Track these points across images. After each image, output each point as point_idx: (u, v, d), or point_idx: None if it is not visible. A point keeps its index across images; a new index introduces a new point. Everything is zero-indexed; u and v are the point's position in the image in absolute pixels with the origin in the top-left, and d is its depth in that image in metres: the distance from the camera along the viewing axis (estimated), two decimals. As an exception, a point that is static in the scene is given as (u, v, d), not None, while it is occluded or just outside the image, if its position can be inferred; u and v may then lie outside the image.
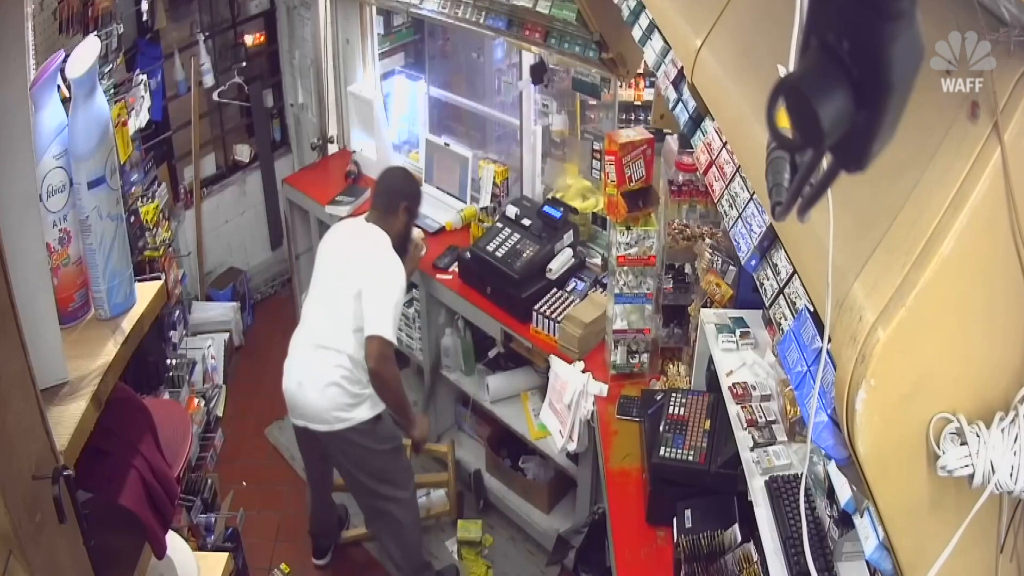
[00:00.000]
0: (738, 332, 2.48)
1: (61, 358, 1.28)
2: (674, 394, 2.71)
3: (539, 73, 3.57)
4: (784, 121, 0.69)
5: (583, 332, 3.23)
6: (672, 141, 3.01)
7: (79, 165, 1.33)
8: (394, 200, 3.26)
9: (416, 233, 3.52)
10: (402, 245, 3.29)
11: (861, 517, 1.39)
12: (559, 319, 3.31)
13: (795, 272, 1.38)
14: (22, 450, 1.06)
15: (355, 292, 3.07)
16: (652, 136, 2.87)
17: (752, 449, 2.21)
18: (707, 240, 2.76)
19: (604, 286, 3.42)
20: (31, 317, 1.15)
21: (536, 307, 3.39)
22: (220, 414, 4.13)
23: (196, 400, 3.79)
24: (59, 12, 2.68)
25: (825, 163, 0.71)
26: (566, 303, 3.40)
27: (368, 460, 3.24)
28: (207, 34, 4.49)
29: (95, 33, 2.95)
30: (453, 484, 3.82)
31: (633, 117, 3.76)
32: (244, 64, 4.75)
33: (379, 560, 3.73)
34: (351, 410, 3.12)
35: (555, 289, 3.49)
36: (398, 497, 3.31)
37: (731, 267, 2.57)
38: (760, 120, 0.74)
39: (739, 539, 2.30)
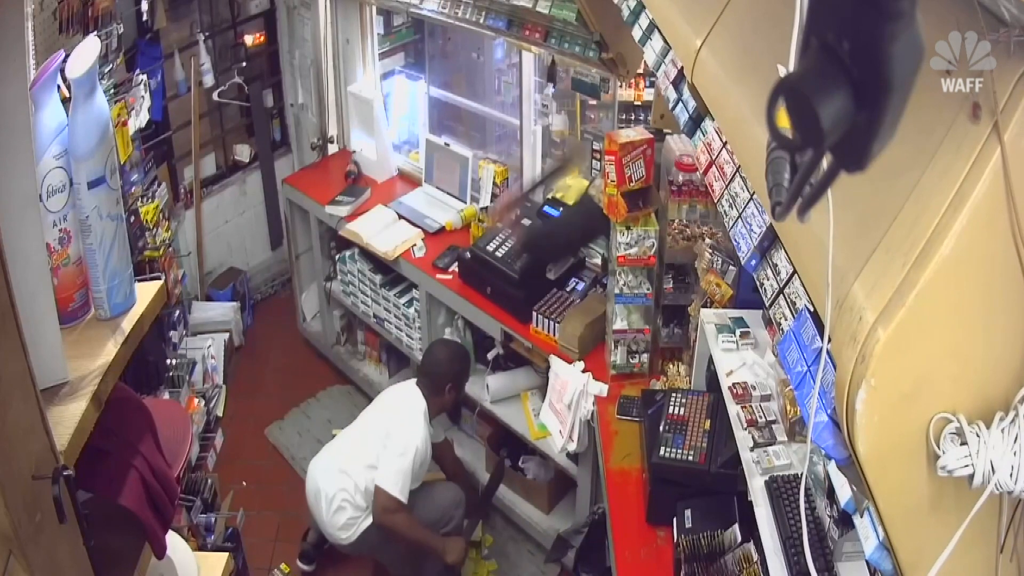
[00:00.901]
0: (738, 332, 2.48)
1: (61, 358, 1.28)
2: (674, 394, 2.71)
3: (554, 73, 3.58)
4: (784, 121, 0.69)
5: (583, 332, 3.23)
6: (672, 140, 3.00)
7: (79, 165, 1.33)
8: (438, 382, 3.36)
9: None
10: (449, 414, 3.57)
11: (861, 517, 1.39)
12: (559, 319, 3.31)
13: (795, 272, 1.38)
14: (22, 450, 1.06)
15: (383, 435, 3.22)
16: (652, 136, 2.87)
17: (752, 449, 2.21)
18: (707, 240, 2.76)
19: (604, 286, 3.42)
20: (31, 317, 1.15)
21: (536, 307, 3.39)
22: (220, 414, 4.13)
23: (196, 400, 3.79)
24: (59, 12, 2.68)
25: (825, 163, 0.71)
26: (566, 303, 3.40)
27: (396, 552, 3.34)
28: (207, 34, 4.48)
29: (95, 33, 2.96)
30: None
31: (633, 117, 3.75)
32: (244, 64, 4.75)
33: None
34: (363, 521, 3.25)
35: (555, 289, 3.49)
36: (440, 568, 3.37)
37: (731, 267, 2.56)
38: (760, 120, 0.74)
39: (739, 539, 2.30)
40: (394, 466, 3.13)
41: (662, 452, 2.54)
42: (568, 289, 3.51)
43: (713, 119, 1.78)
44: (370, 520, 3.22)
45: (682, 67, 1.91)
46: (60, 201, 1.33)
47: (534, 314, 3.38)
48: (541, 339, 3.38)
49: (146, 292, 1.52)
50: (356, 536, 3.25)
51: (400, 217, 4.12)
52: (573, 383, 3.17)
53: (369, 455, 3.21)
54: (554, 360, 3.29)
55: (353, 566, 3.70)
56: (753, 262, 1.53)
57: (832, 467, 1.57)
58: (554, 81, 3.59)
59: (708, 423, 2.57)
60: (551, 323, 3.33)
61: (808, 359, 1.25)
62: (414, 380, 3.43)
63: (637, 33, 2.25)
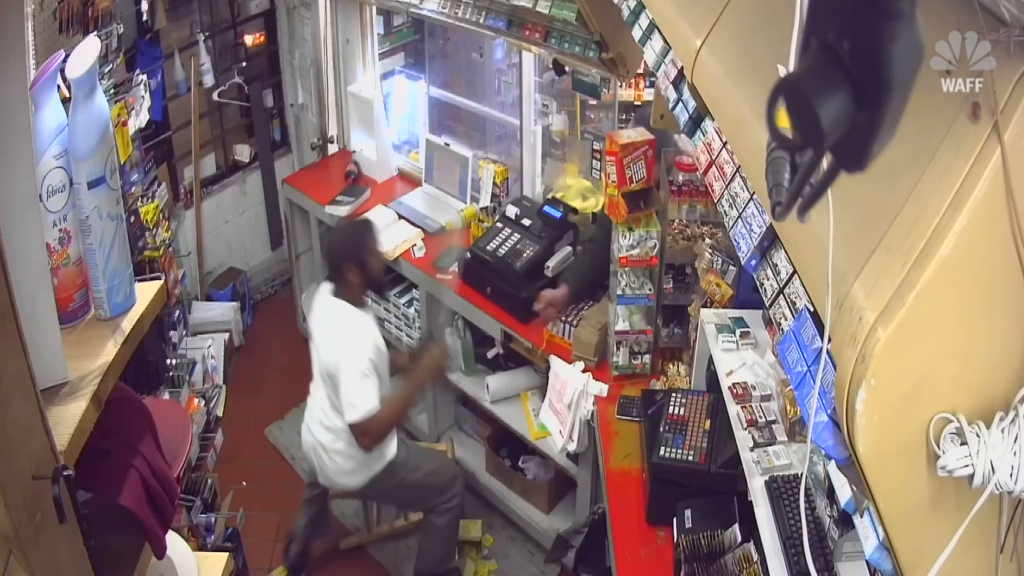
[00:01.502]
0: (738, 332, 2.48)
1: (61, 358, 1.28)
2: (674, 394, 2.71)
3: (560, 65, 3.57)
4: (784, 121, 0.69)
5: (599, 339, 3.20)
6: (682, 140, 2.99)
7: (79, 165, 1.33)
8: (338, 266, 3.18)
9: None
10: (372, 290, 3.29)
11: (861, 517, 1.39)
12: (575, 323, 3.29)
13: (795, 272, 1.38)
14: (22, 450, 1.06)
15: (330, 377, 3.09)
16: (653, 137, 2.87)
17: (752, 449, 2.21)
18: (707, 240, 2.76)
19: (605, 287, 3.41)
20: (31, 317, 1.15)
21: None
22: (220, 414, 4.13)
23: (196, 400, 3.79)
24: (59, 12, 2.68)
25: (825, 163, 0.71)
26: (580, 307, 3.39)
27: (405, 492, 3.33)
28: (207, 34, 4.48)
29: (95, 33, 2.96)
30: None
31: (633, 117, 3.75)
32: (244, 64, 4.75)
33: (382, 563, 3.74)
34: (367, 467, 3.19)
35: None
36: (448, 507, 3.37)
37: (731, 267, 2.56)
38: (760, 120, 0.74)
39: (739, 539, 2.30)
40: (353, 393, 2.98)
41: (662, 452, 2.54)
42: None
43: (713, 119, 1.78)
44: (379, 463, 3.19)
45: (682, 67, 1.91)
46: (60, 201, 1.33)
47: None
48: (556, 343, 3.35)
49: (146, 292, 1.52)
50: (366, 480, 3.21)
51: (400, 217, 4.12)
52: (573, 383, 3.17)
53: (335, 401, 3.10)
54: (554, 360, 3.29)
55: (345, 568, 3.71)
56: (753, 262, 1.53)
57: (832, 467, 1.57)
58: (564, 72, 3.57)
59: (708, 423, 2.57)
60: (567, 327, 3.32)
61: (808, 359, 1.25)
62: (325, 284, 3.24)
63: (637, 33, 2.25)
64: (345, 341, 3.06)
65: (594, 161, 3.68)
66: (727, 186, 1.68)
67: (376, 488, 3.28)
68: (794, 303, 1.38)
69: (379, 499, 3.62)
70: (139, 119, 3.36)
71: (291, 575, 3.63)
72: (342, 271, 3.14)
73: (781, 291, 1.42)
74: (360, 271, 3.16)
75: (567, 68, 3.56)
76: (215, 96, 4.64)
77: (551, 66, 3.59)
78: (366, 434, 3.02)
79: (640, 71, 3.41)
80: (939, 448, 1.02)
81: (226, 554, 1.89)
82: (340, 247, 3.22)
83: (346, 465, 3.17)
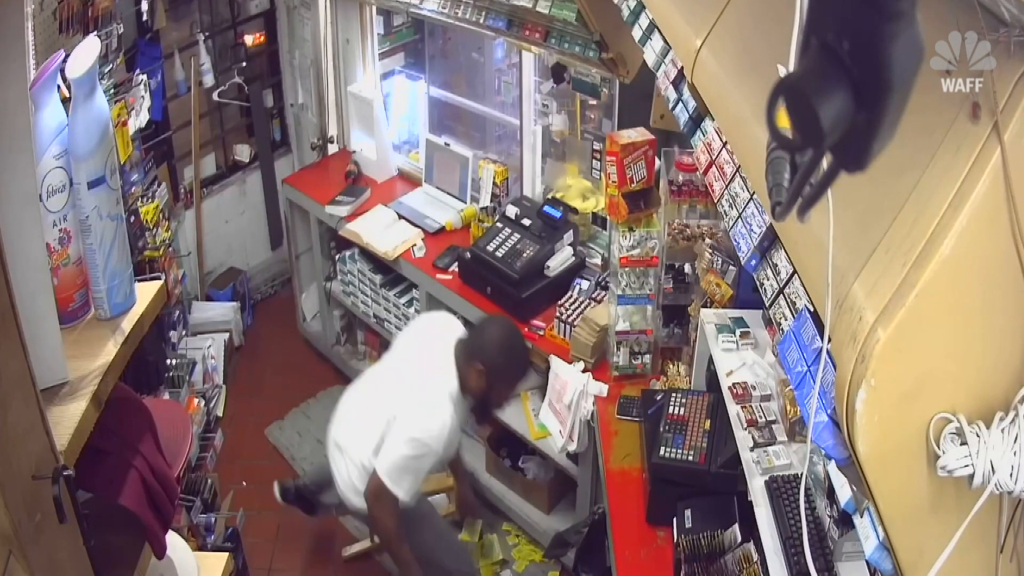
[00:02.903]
0: (738, 332, 2.48)
1: (61, 358, 1.28)
2: (674, 394, 2.71)
3: (559, 72, 3.58)
4: (784, 121, 0.69)
5: (596, 341, 3.20)
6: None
7: (79, 165, 1.33)
8: (471, 353, 2.78)
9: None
10: (480, 407, 2.88)
11: (861, 517, 1.39)
12: (575, 323, 3.29)
13: (795, 272, 1.38)
14: (22, 450, 1.06)
15: (390, 417, 2.74)
16: (654, 137, 2.87)
17: (752, 449, 2.21)
18: (707, 240, 2.76)
19: (606, 288, 3.42)
20: (31, 317, 1.15)
21: (559, 312, 3.36)
22: (220, 414, 4.13)
23: (196, 400, 3.79)
24: (59, 12, 2.68)
25: (825, 163, 0.71)
26: (581, 306, 3.39)
27: (418, 540, 2.94)
28: (207, 34, 4.48)
29: (95, 33, 2.96)
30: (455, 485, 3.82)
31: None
32: (244, 64, 4.75)
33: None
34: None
35: (570, 292, 3.46)
36: None
37: (731, 267, 2.57)
38: (760, 120, 0.74)
39: (739, 539, 2.30)
40: (391, 460, 2.69)
41: (662, 452, 2.54)
42: (574, 289, 3.50)
43: (713, 119, 1.78)
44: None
45: (682, 67, 1.91)
46: (60, 201, 1.33)
47: (556, 320, 3.37)
48: (556, 343, 3.35)
49: (146, 292, 1.52)
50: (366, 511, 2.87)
51: (400, 217, 4.12)
52: (573, 383, 3.17)
53: (374, 433, 2.76)
54: (554, 360, 3.29)
55: None
56: (753, 262, 1.53)
57: (832, 467, 1.57)
58: (563, 80, 3.58)
59: (708, 423, 2.57)
60: (566, 327, 3.32)
61: (808, 359, 1.25)
62: (454, 327, 2.88)
63: (637, 33, 2.25)
64: (426, 414, 2.71)
65: (594, 161, 3.68)
66: (727, 186, 1.68)
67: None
68: (794, 303, 1.38)
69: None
70: (139, 119, 3.36)
71: (283, 495, 3.39)
72: (468, 359, 2.77)
73: (781, 291, 1.42)
74: (484, 381, 2.78)
75: (565, 74, 3.57)
76: (215, 96, 4.64)
77: (551, 76, 3.60)
78: (377, 495, 2.73)
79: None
80: (939, 448, 1.02)
81: (226, 554, 1.90)
82: (488, 343, 2.81)
83: (359, 484, 2.85)
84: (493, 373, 2.78)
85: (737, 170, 1.65)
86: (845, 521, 1.66)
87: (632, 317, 3.06)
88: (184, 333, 4.13)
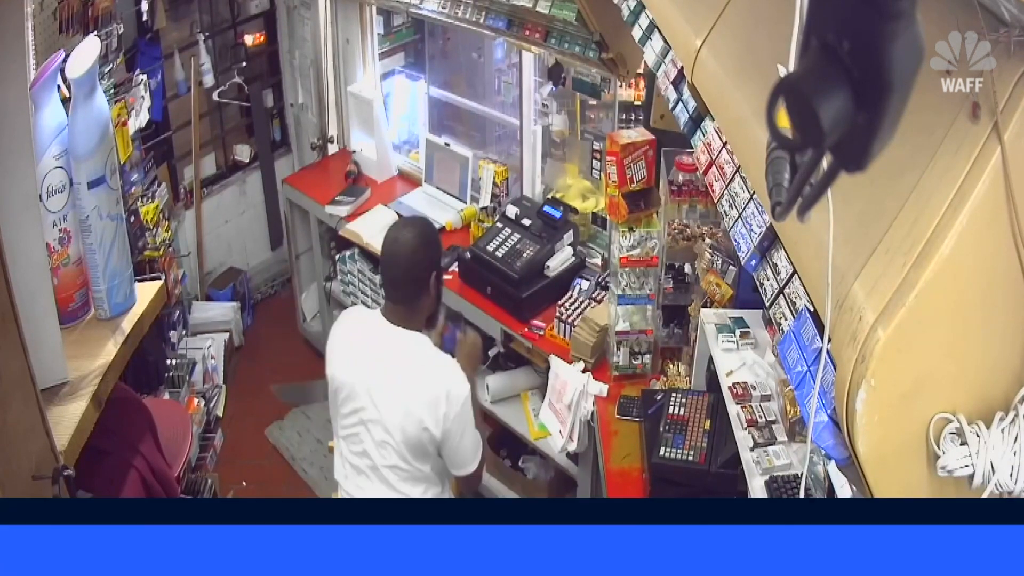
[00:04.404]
0: (738, 332, 2.47)
1: (61, 358, 1.28)
2: (674, 394, 2.71)
3: (557, 74, 3.58)
4: (784, 121, 0.69)
5: (596, 341, 3.19)
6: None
7: (79, 165, 1.33)
8: (416, 280, 2.31)
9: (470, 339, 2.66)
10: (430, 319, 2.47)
11: (861, 517, 1.38)
12: (575, 323, 3.28)
13: (795, 272, 1.38)
14: (22, 450, 1.06)
15: (411, 442, 2.30)
16: (654, 137, 2.87)
17: (752, 449, 2.21)
18: (707, 240, 2.76)
19: (606, 288, 3.41)
20: (31, 317, 1.15)
21: (559, 312, 3.36)
22: (220, 414, 4.13)
23: (196, 400, 3.79)
24: (59, 12, 2.68)
25: (825, 163, 0.71)
26: (581, 306, 3.39)
27: None
28: (207, 34, 4.48)
29: (95, 33, 2.95)
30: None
31: (633, 117, 3.75)
32: (244, 64, 4.75)
33: None
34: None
35: (570, 292, 3.46)
36: None
37: (731, 267, 2.56)
38: (760, 120, 0.74)
39: (739, 539, 2.30)
40: (467, 452, 2.39)
41: (662, 452, 2.54)
42: (574, 289, 3.50)
43: (713, 119, 1.78)
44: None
45: (682, 67, 1.91)
46: (60, 201, 1.33)
47: (556, 320, 3.37)
48: (556, 343, 3.34)
49: (146, 292, 1.52)
50: None
51: (400, 217, 4.12)
52: (573, 383, 3.17)
53: (406, 458, 2.34)
54: (554, 360, 3.29)
55: None
56: (753, 262, 1.53)
57: (832, 467, 1.56)
58: (561, 83, 3.58)
59: (708, 423, 2.57)
60: (566, 327, 3.31)
61: (808, 359, 1.25)
62: (380, 317, 2.36)
63: (637, 33, 2.25)
64: (443, 397, 2.26)
65: (594, 161, 3.68)
66: (727, 186, 1.68)
67: None
68: (794, 303, 1.38)
69: None
70: (139, 119, 3.36)
71: None
72: (418, 289, 2.31)
73: (781, 291, 1.42)
74: (436, 289, 2.38)
75: (563, 75, 3.57)
76: (215, 96, 4.64)
77: (548, 77, 3.60)
78: (478, 478, 2.50)
79: (640, 71, 3.41)
80: (939, 448, 1.02)
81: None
82: (417, 253, 2.30)
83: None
84: (439, 274, 2.40)
85: (737, 170, 1.65)
86: (845, 521, 1.66)
87: (632, 317, 3.06)
88: (184, 333, 4.13)
